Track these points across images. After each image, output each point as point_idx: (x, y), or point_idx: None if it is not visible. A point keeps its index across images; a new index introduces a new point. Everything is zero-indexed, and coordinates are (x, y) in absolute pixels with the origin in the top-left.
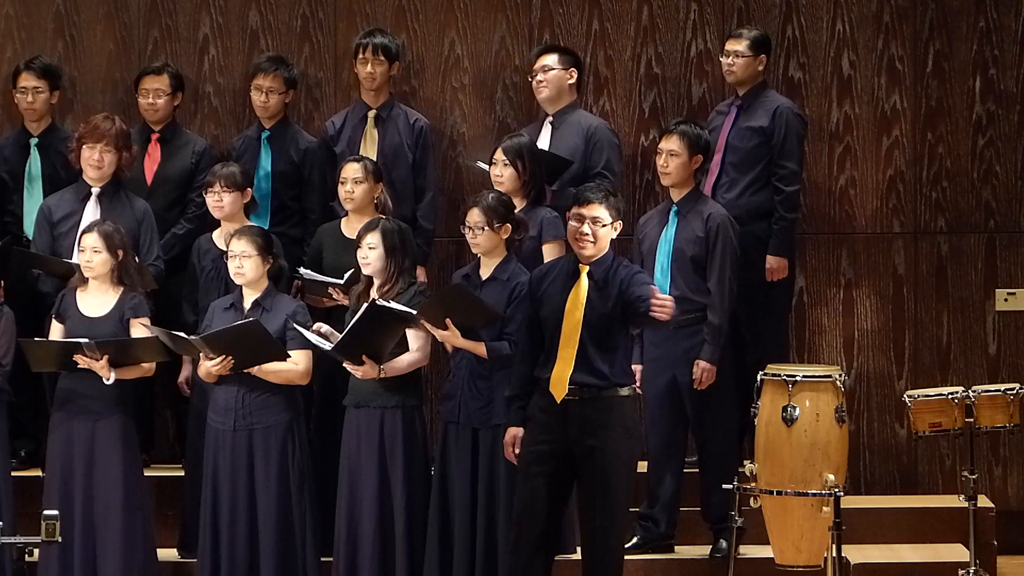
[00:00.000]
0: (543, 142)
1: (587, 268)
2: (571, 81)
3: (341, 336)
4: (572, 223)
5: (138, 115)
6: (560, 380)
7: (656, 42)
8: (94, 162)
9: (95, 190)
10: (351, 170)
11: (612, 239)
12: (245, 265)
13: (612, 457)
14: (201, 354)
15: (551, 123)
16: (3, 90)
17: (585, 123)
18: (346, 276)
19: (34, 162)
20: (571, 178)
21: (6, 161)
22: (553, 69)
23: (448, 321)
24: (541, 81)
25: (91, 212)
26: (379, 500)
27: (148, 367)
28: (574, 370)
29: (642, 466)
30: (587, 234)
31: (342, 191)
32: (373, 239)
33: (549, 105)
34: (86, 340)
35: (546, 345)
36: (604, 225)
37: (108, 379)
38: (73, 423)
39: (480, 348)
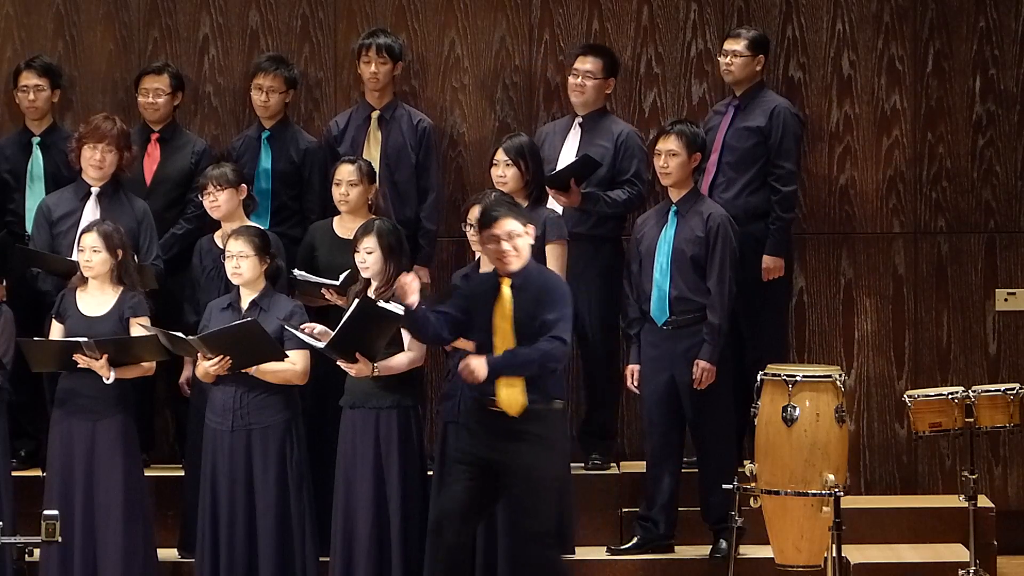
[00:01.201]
0: (572, 143)
1: (508, 281)
2: (608, 90)
3: (333, 333)
4: (489, 246)
5: (138, 115)
6: (513, 397)
7: (656, 42)
8: (95, 162)
9: (95, 190)
10: (345, 172)
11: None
12: (242, 265)
13: (535, 471)
14: (199, 354)
15: (580, 124)
16: (3, 90)
17: (616, 129)
18: (342, 277)
19: (36, 161)
20: (598, 182)
21: (7, 160)
22: (596, 78)
23: None
24: (581, 85)
25: (90, 211)
26: (375, 500)
27: (148, 366)
28: (508, 383)
29: (640, 466)
30: (508, 251)
31: (336, 192)
32: (370, 242)
33: (581, 108)
34: (85, 339)
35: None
36: (520, 236)
37: (108, 378)
38: (73, 423)
39: None
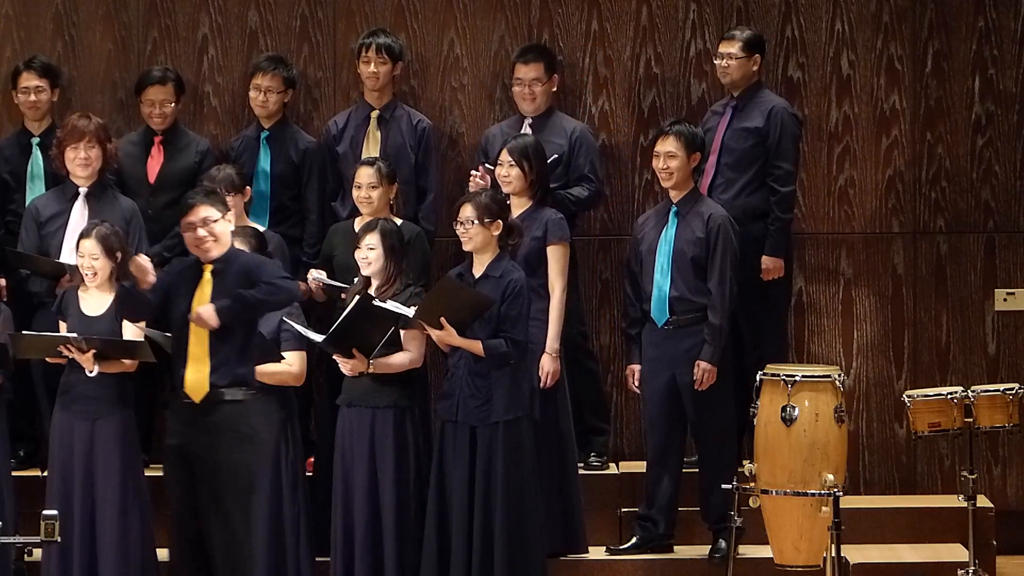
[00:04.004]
0: None
1: (211, 267)
2: (554, 88)
3: (331, 328)
4: (187, 234)
5: (138, 117)
6: (198, 383)
7: (655, 42)
8: (81, 161)
9: (82, 190)
10: (365, 175)
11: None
12: None
13: (224, 461)
14: None
15: (530, 125)
16: (2, 90)
17: (568, 126)
18: (356, 280)
19: (36, 161)
20: (555, 178)
21: (7, 161)
22: (543, 82)
23: (443, 320)
24: (531, 93)
25: (78, 212)
26: (370, 500)
27: (130, 363)
28: (196, 370)
29: (640, 466)
30: (205, 237)
31: (357, 195)
32: (372, 239)
33: (532, 112)
34: (75, 336)
35: (176, 347)
36: (216, 221)
37: (91, 372)
38: (73, 422)
39: (476, 346)
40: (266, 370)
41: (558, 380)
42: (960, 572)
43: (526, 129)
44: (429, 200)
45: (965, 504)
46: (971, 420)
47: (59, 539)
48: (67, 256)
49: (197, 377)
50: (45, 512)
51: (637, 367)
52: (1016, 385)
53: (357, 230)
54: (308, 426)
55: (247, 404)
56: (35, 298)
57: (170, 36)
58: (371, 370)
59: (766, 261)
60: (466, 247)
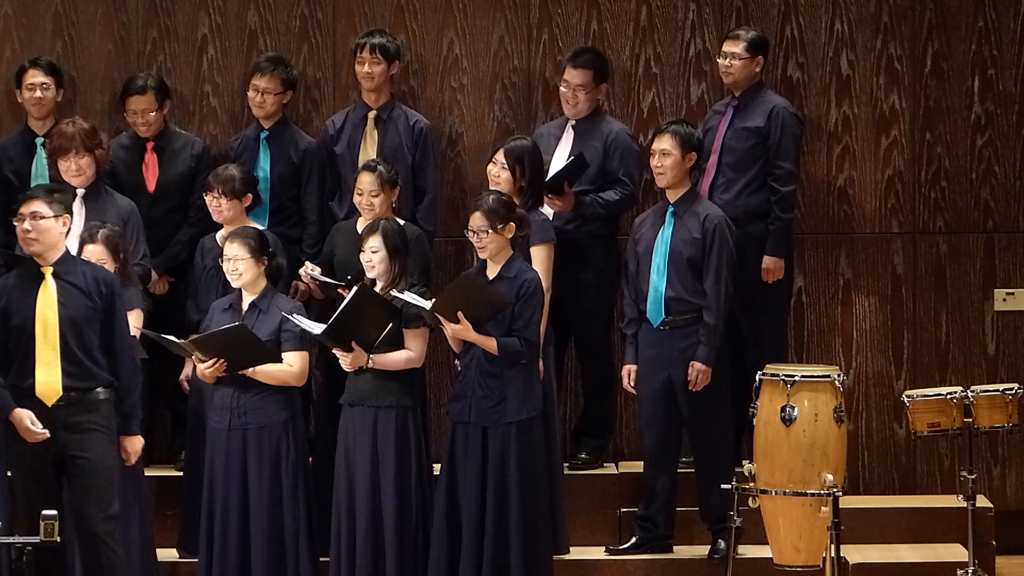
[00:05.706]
0: (565, 146)
1: (51, 269)
2: (601, 96)
3: (330, 320)
4: (17, 224)
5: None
6: (50, 385)
7: (655, 42)
8: (74, 171)
9: (80, 191)
10: (366, 182)
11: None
12: (239, 267)
13: (98, 460)
14: (195, 356)
15: (573, 127)
16: (2, 90)
17: (606, 129)
18: (348, 279)
19: (40, 161)
20: (591, 182)
21: (12, 161)
22: (588, 89)
23: (460, 314)
24: (574, 97)
25: (76, 213)
26: (371, 499)
27: None
28: (47, 373)
29: (640, 466)
30: (28, 231)
31: (359, 201)
32: (375, 242)
33: (574, 115)
34: None
35: (19, 353)
36: (45, 218)
37: None
38: None
39: (491, 343)
40: (267, 370)
41: (546, 380)
42: (960, 572)
43: (568, 132)
44: (427, 200)
45: (965, 504)
46: (970, 420)
47: (59, 539)
48: None
49: (48, 380)
50: (45, 512)
51: (633, 367)
52: (1015, 385)
53: (360, 231)
54: (307, 426)
55: (105, 400)
56: None
57: (170, 36)
58: (370, 365)
59: (767, 261)
60: (482, 255)
